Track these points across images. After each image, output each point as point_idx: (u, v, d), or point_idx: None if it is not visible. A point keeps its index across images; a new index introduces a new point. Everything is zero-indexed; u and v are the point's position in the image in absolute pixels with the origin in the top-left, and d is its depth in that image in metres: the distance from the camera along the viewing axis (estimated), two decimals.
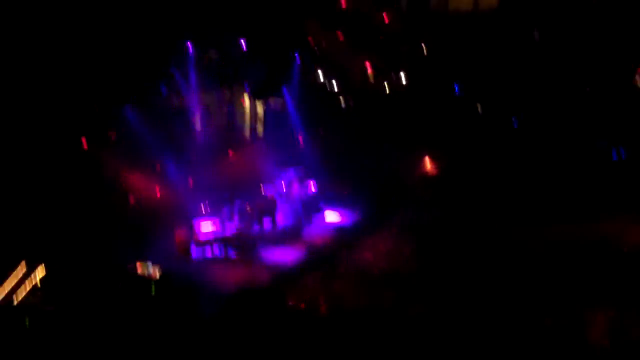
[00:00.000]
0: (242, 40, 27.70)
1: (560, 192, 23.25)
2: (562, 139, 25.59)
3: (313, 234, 23.48)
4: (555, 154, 25.15)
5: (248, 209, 24.10)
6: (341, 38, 29.66)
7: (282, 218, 24.51)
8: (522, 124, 26.96)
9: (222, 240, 22.65)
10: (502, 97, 27.50)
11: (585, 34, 27.79)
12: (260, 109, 29.82)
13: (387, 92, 28.53)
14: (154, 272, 20.40)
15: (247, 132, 29.50)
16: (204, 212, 24.24)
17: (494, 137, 26.64)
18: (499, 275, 19.35)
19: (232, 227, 23.42)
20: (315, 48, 29.64)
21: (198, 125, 28.34)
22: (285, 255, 22.07)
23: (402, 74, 28.64)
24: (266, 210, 24.36)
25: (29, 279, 20.78)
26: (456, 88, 28.30)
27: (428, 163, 26.52)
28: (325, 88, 29.54)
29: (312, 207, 24.61)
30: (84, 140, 25.12)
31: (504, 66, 27.51)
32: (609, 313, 16.87)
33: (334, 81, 29.43)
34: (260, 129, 29.86)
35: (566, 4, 28.53)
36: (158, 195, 24.55)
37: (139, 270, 20.44)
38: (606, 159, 25.04)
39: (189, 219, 23.69)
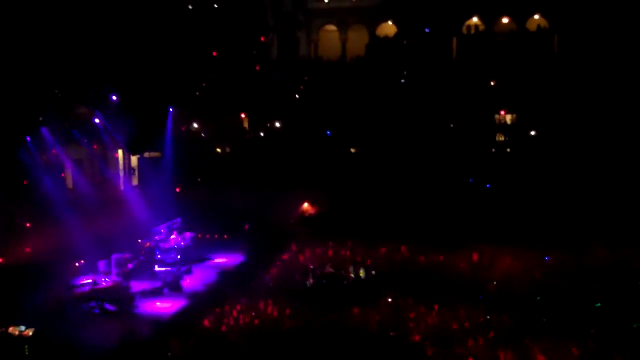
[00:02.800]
0: (114, 96, 27.35)
1: (428, 224, 24.24)
2: (431, 175, 26.70)
3: (194, 282, 23.13)
4: (425, 189, 26.18)
5: (126, 261, 23.48)
6: (215, 87, 29.94)
7: (161, 269, 24.04)
8: (394, 161, 27.89)
9: (98, 295, 21.89)
10: (372, 138, 28.50)
11: (446, 77, 29.53)
12: (135, 161, 29.47)
13: (262, 136, 28.97)
14: (26, 332, 19.40)
15: (121, 186, 28.99)
16: (79, 267, 23.44)
17: (368, 176, 27.40)
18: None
19: (108, 281, 22.72)
20: (190, 99, 29.76)
21: (69, 181, 27.62)
22: (165, 306, 21.58)
23: (276, 119, 29.23)
24: (144, 262, 23.83)
25: None
26: (328, 132, 29.09)
27: (306, 204, 26.97)
28: (201, 137, 29.64)
29: (191, 256, 24.32)
30: None
31: (372, 109, 28.60)
32: None
33: (209, 130, 29.59)
34: (135, 181, 29.45)
35: (428, 53, 30.31)
36: (29, 253, 23.55)
37: (11, 331, 19.38)
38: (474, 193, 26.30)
39: (64, 275, 22.81)
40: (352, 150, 28.16)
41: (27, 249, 23.56)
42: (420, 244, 22.78)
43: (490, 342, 16.48)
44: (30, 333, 19.01)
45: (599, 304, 18.35)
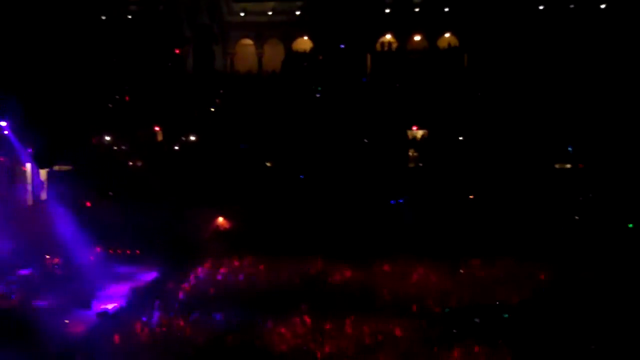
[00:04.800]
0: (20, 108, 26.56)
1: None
2: (346, 189, 27.00)
3: (104, 299, 22.57)
4: (340, 202, 26.47)
5: (30, 278, 22.68)
6: (127, 99, 29.54)
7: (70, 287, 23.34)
8: (309, 175, 28.06)
9: None
10: (288, 152, 28.61)
11: (360, 93, 30.02)
12: (44, 175, 28.64)
13: (177, 150, 28.66)
14: None
15: (29, 200, 28.13)
16: None
17: (283, 190, 27.46)
18: None
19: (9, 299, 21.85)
20: (102, 111, 29.24)
21: None
22: (75, 325, 20.97)
23: (191, 133, 28.99)
24: (50, 278, 23.07)
25: None
26: (242, 146, 29.03)
27: (221, 218, 26.81)
28: (113, 151, 29.11)
29: (101, 272, 23.74)
30: None
31: (287, 124, 28.75)
32: None
33: (122, 143, 29.10)
34: (44, 195, 28.61)
35: (343, 69, 30.76)
36: None
37: None
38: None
39: None
40: (268, 164, 28.18)
41: None
42: (336, 258, 23.10)
43: (402, 355, 16.78)
44: None
45: (506, 315, 19.00)
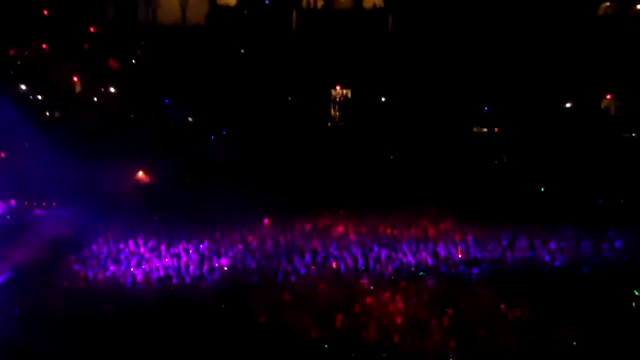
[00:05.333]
0: None
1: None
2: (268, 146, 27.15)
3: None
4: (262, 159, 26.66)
5: None
6: (46, 48, 28.62)
7: None
8: (230, 131, 28.04)
9: None
10: (210, 108, 28.41)
11: (285, 50, 29.89)
12: None
13: (95, 101, 28.07)
14: None
15: None
16: None
17: (203, 146, 27.42)
18: None
19: None
20: (18, 60, 28.32)
21: None
22: None
23: (110, 84, 28.40)
24: None
25: None
26: (166, 101, 28.67)
27: (140, 173, 26.55)
28: (29, 99, 28.27)
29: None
30: None
31: (210, 79, 28.44)
32: None
33: (38, 94, 28.29)
34: None
35: (268, 25, 30.49)
36: None
37: None
38: None
39: None
40: (190, 119, 27.98)
41: None
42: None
43: None
44: None
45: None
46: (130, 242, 22.51)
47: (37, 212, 25.82)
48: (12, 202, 24.76)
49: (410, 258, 21.80)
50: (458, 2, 29.55)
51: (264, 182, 25.33)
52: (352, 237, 22.96)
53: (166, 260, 21.72)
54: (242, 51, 29.55)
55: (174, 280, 20.87)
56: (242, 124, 27.56)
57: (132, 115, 27.64)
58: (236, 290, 20.40)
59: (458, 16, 29.29)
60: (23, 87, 28.26)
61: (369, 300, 19.64)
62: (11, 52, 28.20)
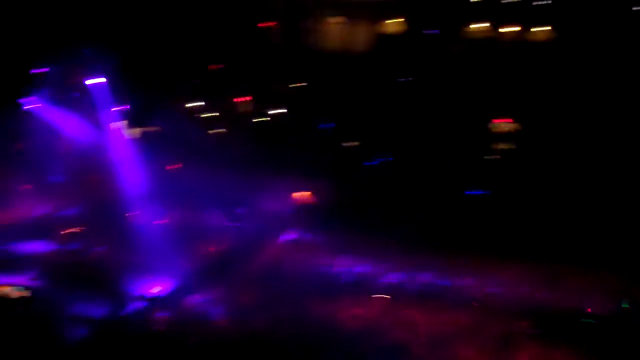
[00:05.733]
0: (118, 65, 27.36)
1: None
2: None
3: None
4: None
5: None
6: (215, 67, 29.96)
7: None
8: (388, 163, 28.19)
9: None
10: (371, 137, 28.73)
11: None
12: (132, 135, 29.51)
13: (264, 123, 29.14)
14: (22, 293, 19.46)
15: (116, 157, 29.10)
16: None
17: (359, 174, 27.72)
18: None
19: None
20: (194, 80, 29.79)
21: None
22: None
23: (276, 108, 29.38)
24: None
25: None
26: (325, 125, 29.27)
27: (303, 193, 27.24)
28: (201, 118, 29.73)
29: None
30: None
31: (374, 105, 28.80)
32: None
33: (210, 113, 29.69)
34: (128, 155, 29.50)
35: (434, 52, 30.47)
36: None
37: (7, 292, 19.42)
38: None
39: None
40: (352, 143, 28.46)
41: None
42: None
43: None
44: (27, 295, 19.23)
45: None
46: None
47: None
48: (177, 211, 26.04)
49: None
50: None
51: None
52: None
53: None
54: (405, 80, 29.71)
55: None
56: (404, 151, 27.67)
57: (297, 138, 28.41)
58: None
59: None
60: (196, 104, 29.62)
61: None
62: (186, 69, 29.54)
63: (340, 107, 28.48)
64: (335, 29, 34.95)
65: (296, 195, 27.27)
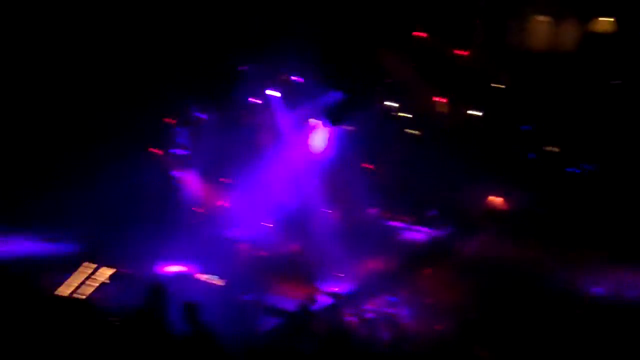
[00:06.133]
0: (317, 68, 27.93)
1: None
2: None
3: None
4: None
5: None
6: (415, 71, 29.71)
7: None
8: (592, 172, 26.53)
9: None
10: (575, 143, 27.15)
11: None
12: (330, 133, 30.07)
13: (459, 126, 28.49)
14: (217, 282, 20.50)
15: (317, 155, 29.79)
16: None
17: (562, 182, 26.27)
18: None
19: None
20: (391, 80, 29.75)
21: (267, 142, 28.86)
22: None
23: (475, 110, 28.59)
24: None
25: (96, 276, 21.06)
26: (525, 128, 28.08)
27: (497, 199, 26.38)
28: (396, 120, 29.66)
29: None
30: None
31: (580, 110, 27.17)
32: None
33: (407, 114, 29.53)
34: (328, 152, 30.09)
35: None
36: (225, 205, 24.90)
37: (205, 279, 20.54)
38: None
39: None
40: (553, 149, 27.02)
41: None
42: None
43: None
44: (222, 283, 20.18)
45: None
46: None
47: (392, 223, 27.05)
48: (373, 211, 26.17)
49: None
50: None
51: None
52: None
53: None
54: (616, 82, 27.69)
55: None
56: (611, 159, 25.85)
57: (491, 141, 27.48)
58: None
59: None
60: (390, 103, 29.58)
61: None
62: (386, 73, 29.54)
63: (543, 109, 27.06)
64: (541, 27, 33.41)
65: (490, 199, 26.42)
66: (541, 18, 33.45)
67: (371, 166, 28.37)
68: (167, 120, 27.52)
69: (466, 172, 26.09)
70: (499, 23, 32.23)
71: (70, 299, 19.57)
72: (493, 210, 26.17)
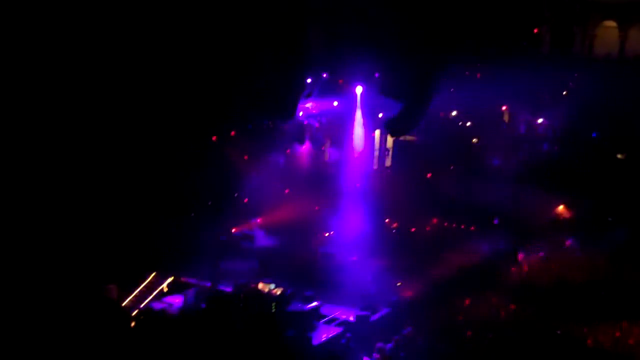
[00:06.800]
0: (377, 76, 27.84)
1: None
2: None
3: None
4: None
5: None
6: (478, 78, 29.36)
7: None
8: None
9: None
10: None
11: None
12: (390, 143, 29.96)
13: (523, 133, 28.03)
14: (275, 291, 20.48)
15: (375, 166, 29.68)
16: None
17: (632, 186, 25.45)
18: None
19: None
20: (452, 89, 29.47)
21: (327, 154, 29.02)
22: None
23: (540, 117, 28.09)
24: None
25: (158, 287, 21.35)
26: (593, 134, 27.40)
27: (561, 207, 25.73)
28: (458, 126, 29.34)
29: None
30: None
31: None
32: None
33: (468, 122, 29.20)
34: (388, 162, 29.96)
35: None
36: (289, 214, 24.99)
37: (261, 288, 20.56)
38: None
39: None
40: (619, 156, 26.22)
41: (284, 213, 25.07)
42: None
43: None
44: (279, 292, 20.19)
45: None
46: None
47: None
48: (434, 220, 25.93)
49: None
50: None
51: None
52: None
53: None
54: None
55: None
56: None
57: (558, 148, 26.92)
58: None
59: None
60: (454, 113, 29.31)
61: None
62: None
63: (613, 116, 26.35)
64: (606, 33, 32.63)
65: (557, 209, 25.81)
66: (608, 23, 32.74)
67: (431, 175, 28.10)
68: None
69: (531, 181, 25.53)
70: (566, 30, 31.68)
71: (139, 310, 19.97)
72: (560, 219, 25.52)
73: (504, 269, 22.84)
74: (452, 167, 28.09)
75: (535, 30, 30.22)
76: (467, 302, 20.34)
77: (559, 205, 25.82)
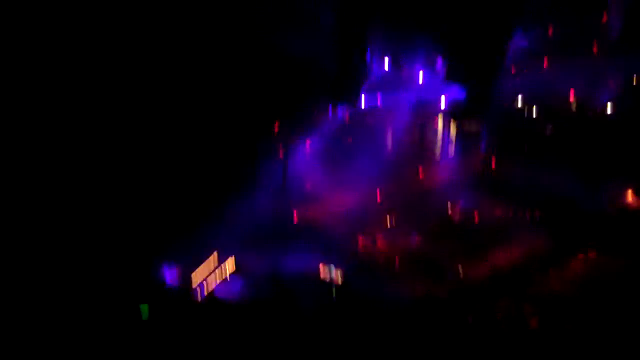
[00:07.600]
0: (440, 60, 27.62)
1: None
2: None
3: None
4: None
5: None
6: (545, 64, 28.85)
7: None
8: None
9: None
10: None
11: None
12: (453, 130, 29.57)
13: (591, 120, 27.36)
14: (337, 276, 20.51)
15: (437, 152, 29.37)
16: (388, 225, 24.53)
17: None
18: None
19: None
20: (517, 74, 29.03)
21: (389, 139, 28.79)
22: None
23: (608, 103, 27.35)
24: None
25: (219, 270, 21.65)
26: None
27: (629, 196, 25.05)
28: (524, 114, 28.82)
29: None
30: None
31: None
32: None
33: (534, 108, 28.64)
34: (451, 150, 29.60)
35: None
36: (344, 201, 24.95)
37: (321, 274, 20.63)
38: None
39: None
40: None
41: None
42: None
43: None
44: (341, 279, 20.23)
45: None
46: None
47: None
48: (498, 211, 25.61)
49: None
50: None
51: None
52: None
53: None
54: None
55: None
56: None
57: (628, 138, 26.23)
58: None
59: None
60: (519, 102, 28.87)
61: None
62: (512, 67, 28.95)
63: None
64: None
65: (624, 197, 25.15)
66: None
67: (495, 161, 27.73)
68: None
69: (595, 169, 25.00)
70: (630, 19, 30.79)
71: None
72: (628, 209, 24.87)
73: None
74: (517, 157, 27.59)
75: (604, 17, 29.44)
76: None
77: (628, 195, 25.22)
